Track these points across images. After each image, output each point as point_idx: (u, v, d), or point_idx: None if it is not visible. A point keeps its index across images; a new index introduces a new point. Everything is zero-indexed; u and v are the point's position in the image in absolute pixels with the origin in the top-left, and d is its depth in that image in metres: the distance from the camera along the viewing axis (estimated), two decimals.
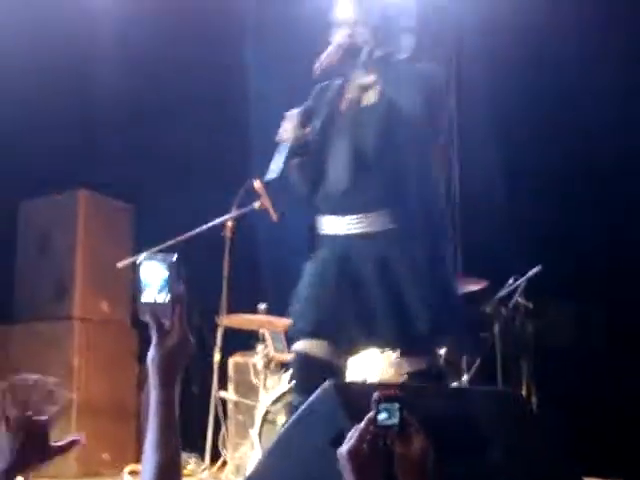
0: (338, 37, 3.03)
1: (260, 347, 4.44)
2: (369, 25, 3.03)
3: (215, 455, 4.45)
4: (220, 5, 5.78)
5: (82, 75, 5.67)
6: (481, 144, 5.64)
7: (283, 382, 4.12)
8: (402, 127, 2.90)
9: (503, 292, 4.68)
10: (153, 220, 5.70)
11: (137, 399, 5.61)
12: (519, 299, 4.65)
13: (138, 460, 5.16)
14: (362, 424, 1.48)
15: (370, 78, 3.05)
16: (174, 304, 1.50)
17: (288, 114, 3.03)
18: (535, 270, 4.58)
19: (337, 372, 3.04)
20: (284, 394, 3.95)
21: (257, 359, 4.43)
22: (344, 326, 2.96)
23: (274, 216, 4.22)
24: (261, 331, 4.54)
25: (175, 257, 1.50)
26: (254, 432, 4.13)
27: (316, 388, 2.68)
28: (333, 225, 3.01)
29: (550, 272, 4.65)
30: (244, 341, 4.77)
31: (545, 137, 5.46)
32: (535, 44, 5.35)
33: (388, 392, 1.48)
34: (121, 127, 5.89)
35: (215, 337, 4.40)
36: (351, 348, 3.08)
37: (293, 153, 2.98)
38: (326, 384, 2.26)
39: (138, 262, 1.50)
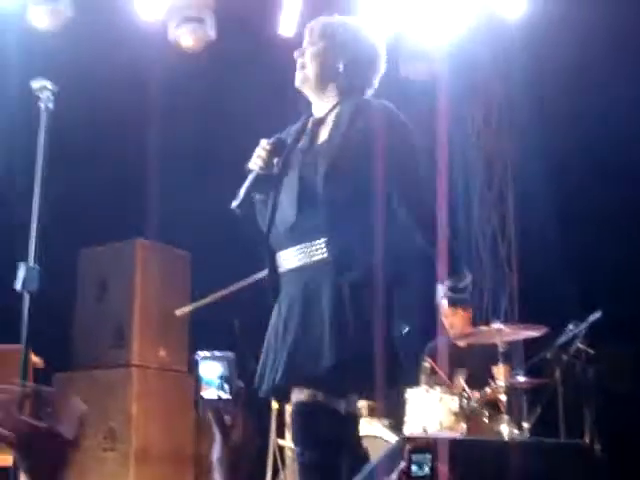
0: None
1: None
2: (340, 58, 2.98)
3: None
4: None
5: (140, 128, 5.78)
6: (536, 188, 5.62)
7: None
8: (351, 161, 2.82)
9: (563, 338, 4.62)
10: (210, 267, 5.77)
11: (194, 445, 5.62)
12: (580, 345, 4.59)
13: None
14: (394, 476, 1.47)
15: (326, 112, 3.00)
16: (235, 400, 1.53)
17: (261, 142, 3.00)
18: (596, 316, 4.52)
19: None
20: None
21: None
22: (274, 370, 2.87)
23: None
24: None
25: (233, 355, 1.55)
26: None
27: None
28: (280, 262, 2.94)
29: (609, 316, 4.59)
30: None
31: (601, 180, 5.43)
32: (586, 90, 5.35)
33: (420, 444, 1.47)
34: (177, 178, 5.99)
35: None
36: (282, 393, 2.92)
37: (258, 181, 2.94)
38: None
39: (196, 359, 1.55)
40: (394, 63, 6.27)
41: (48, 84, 2.93)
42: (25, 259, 2.79)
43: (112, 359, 5.45)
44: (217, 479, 1.50)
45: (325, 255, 2.78)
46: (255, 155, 2.97)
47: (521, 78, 5.88)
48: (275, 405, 4.37)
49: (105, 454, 5.18)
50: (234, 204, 2.92)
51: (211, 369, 1.53)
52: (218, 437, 1.52)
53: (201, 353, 1.55)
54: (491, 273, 6.63)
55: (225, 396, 1.52)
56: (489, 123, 6.93)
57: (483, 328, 4.64)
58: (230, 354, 1.55)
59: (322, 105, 3.02)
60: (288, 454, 4.71)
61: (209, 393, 1.52)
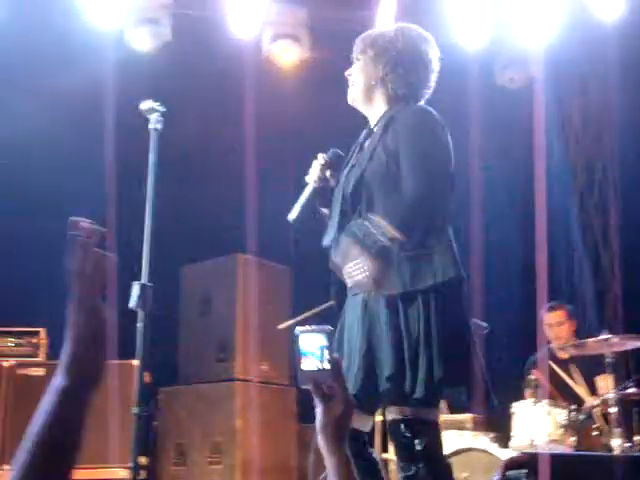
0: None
1: None
2: (380, 68, 2.98)
3: None
4: None
5: (241, 145, 5.86)
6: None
7: (446, 442, 4.05)
8: (375, 174, 2.82)
9: None
10: (310, 282, 5.80)
11: (298, 459, 5.65)
12: None
13: None
14: None
15: (375, 125, 2.99)
16: (334, 370, 1.57)
17: (318, 155, 3.03)
18: None
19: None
20: (447, 456, 3.88)
21: None
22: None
23: None
24: None
25: (330, 328, 1.59)
26: None
27: None
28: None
29: None
30: None
31: None
32: None
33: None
34: (278, 194, 6.03)
35: None
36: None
37: (315, 195, 2.97)
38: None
39: (296, 333, 1.59)
40: (490, 72, 6.21)
41: (156, 105, 3.00)
42: (136, 278, 2.85)
43: (216, 374, 5.53)
44: (324, 448, 1.56)
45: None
46: (311, 168, 3.02)
47: (619, 78, 5.74)
48: (378, 418, 4.34)
49: (211, 468, 5.25)
50: (290, 217, 2.97)
51: (310, 341, 1.58)
52: (319, 406, 1.57)
53: (299, 328, 1.59)
54: (593, 283, 6.47)
55: (324, 366, 1.56)
56: (588, 125, 6.78)
57: (590, 339, 4.53)
58: (328, 327, 1.59)
59: (373, 117, 3.03)
60: (392, 467, 4.68)
61: (308, 364, 1.57)
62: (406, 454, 2.71)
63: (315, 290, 5.52)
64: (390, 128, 2.87)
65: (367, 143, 2.99)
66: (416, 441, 2.68)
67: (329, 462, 1.56)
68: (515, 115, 5.96)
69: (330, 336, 1.59)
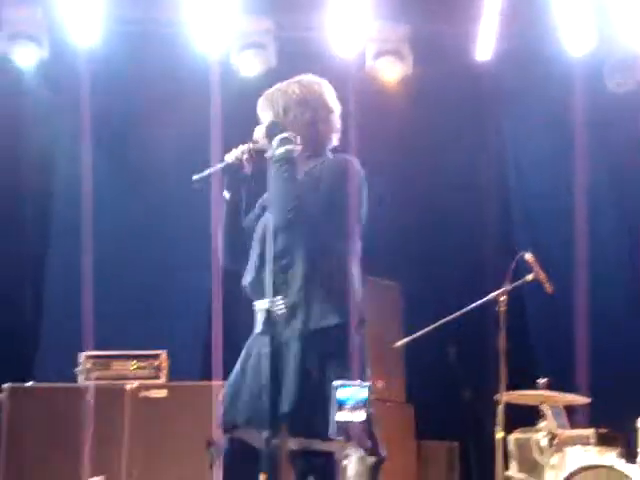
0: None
1: (542, 423, 4.32)
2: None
3: None
4: None
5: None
6: None
7: (569, 460, 3.98)
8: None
9: None
10: (421, 298, 5.80)
11: (418, 475, 5.63)
12: None
13: None
14: None
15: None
16: (368, 424, 1.70)
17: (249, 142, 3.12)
18: None
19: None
20: (574, 474, 3.81)
21: (540, 436, 4.30)
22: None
23: (548, 288, 4.21)
24: (541, 407, 4.42)
25: (370, 383, 1.73)
26: None
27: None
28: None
29: None
30: (523, 417, 4.66)
31: None
32: None
33: None
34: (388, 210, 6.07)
35: (495, 414, 4.33)
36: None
37: (226, 171, 3.11)
38: None
39: (334, 385, 1.70)
40: (600, 79, 6.07)
41: (287, 134, 3.03)
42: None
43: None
44: None
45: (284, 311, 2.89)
46: (235, 149, 3.11)
47: None
48: (499, 435, 4.29)
49: None
50: (195, 176, 3.08)
51: (350, 393, 1.69)
52: (354, 456, 1.75)
53: (337, 381, 1.72)
54: None
55: (358, 419, 1.65)
56: None
57: None
58: (367, 383, 1.71)
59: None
60: None
61: (343, 416, 1.69)
62: None
63: (424, 306, 5.54)
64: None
65: None
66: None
67: None
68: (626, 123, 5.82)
69: (371, 391, 1.67)
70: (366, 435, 1.62)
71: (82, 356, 5.28)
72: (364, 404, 1.61)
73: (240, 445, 2.95)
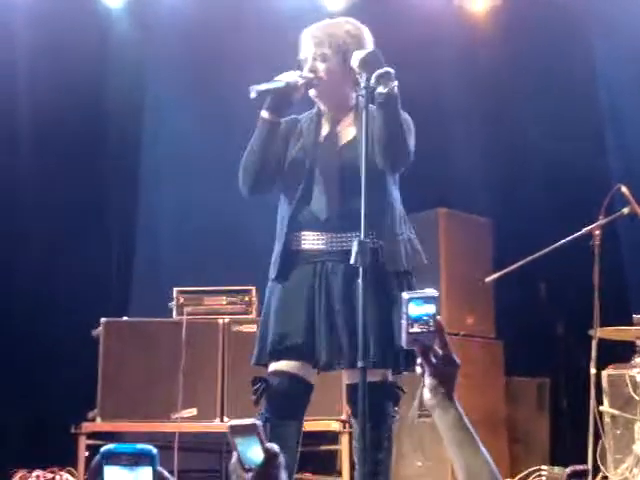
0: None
1: (637, 359, 4.25)
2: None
3: (593, 471, 4.30)
4: None
5: (432, 97, 5.82)
6: None
7: None
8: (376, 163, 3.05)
9: None
10: (512, 233, 5.72)
11: (506, 410, 5.62)
12: None
13: (513, 474, 5.16)
14: None
15: (349, 116, 3.19)
16: (439, 332, 1.67)
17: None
18: None
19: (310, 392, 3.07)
20: None
21: (635, 372, 4.24)
22: (324, 345, 2.99)
23: None
24: (637, 342, 4.34)
25: (437, 293, 1.70)
26: (639, 448, 4.00)
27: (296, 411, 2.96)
28: (317, 242, 3.08)
29: None
30: (617, 353, 4.60)
31: None
32: None
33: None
34: (474, 144, 5.98)
35: (589, 350, 4.28)
36: (327, 368, 3.09)
37: (282, 90, 3.03)
38: None
39: (405, 297, 1.68)
40: None
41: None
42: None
43: None
44: (431, 406, 1.67)
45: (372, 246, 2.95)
46: (295, 72, 3.09)
47: None
48: (593, 371, 4.24)
49: (420, 421, 5.31)
50: (256, 88, 3.02)
51: (418, 305, 1.67)
52: (427, 369, 1.67)
53: (407, 293, 1.70)
54: None
55: (429, 329, 1.66)
56: None
57: None
58: (434, 292, 1.70)
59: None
60: (607, 420, 4.57)
61: (415, 327, 1.66)
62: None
63: (515, 242, 5.46)
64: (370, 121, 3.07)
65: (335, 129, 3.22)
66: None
67: (444, 420, 1.66)
68: None
69: (437, 302, 1.68)
70: (439, 344, 1.66)
71: (175, 291, 5.39)
72: (432, 317, 1.66)
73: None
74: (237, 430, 1.46)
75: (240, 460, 1.47)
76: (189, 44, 5.93)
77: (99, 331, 5.33)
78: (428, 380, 1.67)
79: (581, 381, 4.45)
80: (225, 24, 5.77)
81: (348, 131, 3.21)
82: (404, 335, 1.67)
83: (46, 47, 5.76)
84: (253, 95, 3.05)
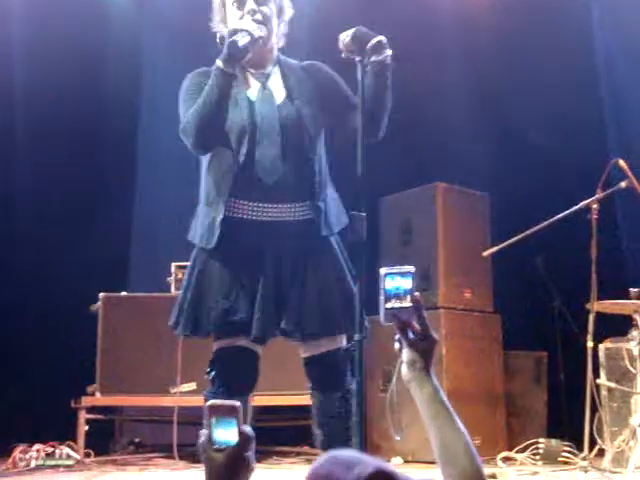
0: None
1: (634, 333, 4.26)
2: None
3: (590, 443, 4.33)
4: None
5: (430, 71, 5.81)
6: None
7: None
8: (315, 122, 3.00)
9: None
10: (509, 207, 5.73)
11: (504, 385, 5.64)
12: None
13: (510, 447, 5.20)
14: None
15: (275, 69, 3.10)
16: (416, 307, 1.69)
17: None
18: None
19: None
20: None
21: (633, 345, 4.25)
22: (266, 318, 2.91)
23: None
24: (634, 316, 4.36)
25: (413, 268, 1.71)
26: (635, 421, 4.02)
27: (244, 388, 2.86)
28: (258, 212, 2.96)
29: None
30: (614, 326, 4.61)
31: None
32: None
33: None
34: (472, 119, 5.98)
35: (586, 323, 4.29)
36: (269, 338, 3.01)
37: (250, 44, 2.90)
38: None
39: (381, 273, 1.70)
40: None
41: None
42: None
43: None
44: (408, 380, 1.70)
45: (310, 216, 2.96)
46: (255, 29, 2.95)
47: None
48: (590, 344, 4.26)
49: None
50: (240, 38, 2.88)
51: (395, 280, 1.69)
52: (404, 344, 1.70)
53: (384, 268, 1.70)
54: None
55: (406, 304, 1.68)
56: None
57: None
58: (411, 268, 1.70)
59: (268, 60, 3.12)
60: (604, 393, 4.59)
61: (391, 303, 1.68)
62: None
63: (512, 216, 5.47)
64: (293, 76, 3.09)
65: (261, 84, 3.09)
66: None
67: (422, 394, 1.68)
68: None
69: (414, 276, 1.69)
70: (416, 319, 1.67)
71: (173, 266, 5.40)
72: (410, 292, 1.66)
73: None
74: (216, 410, 1.46)
75: (211, 440, 1.46)
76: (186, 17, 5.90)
77: (98, 306, 5.35)
78: (406, 355, 1.69)
79: (578, 354, 4.46)
80: None
81: (279, 88, 3.08)
82: (381, 310, 1.68)
83: (41, 25, 5.75)
84: (242, 44, 2.88)
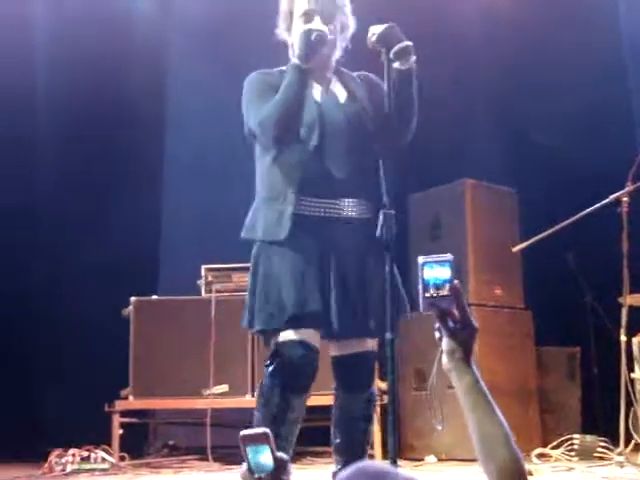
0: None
1: None
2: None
3: (626, 438, 4.29)
4: None
5: (458, 73, 5.79)
6: None
7: None
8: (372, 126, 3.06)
9: None
10: (538, 203, 5.70)
11: (537, 380, 5.61)
12: None
13: (545, 443, 5.16)
14: None
15: (333, 77, 3.16)
16: (456, 295, 1.65)
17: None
18: None
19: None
20: None
21: None
22: (334, 314, 2.89)
23: None
24: None
25: (452, 256, 1.69)
26: None
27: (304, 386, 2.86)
28: (325, 208, 2.99)
29: None
30: None
31: None
32: None
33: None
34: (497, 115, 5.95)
35: (619, 317, 4.26)
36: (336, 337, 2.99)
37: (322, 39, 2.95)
38: None
39: (420, 262, 1.68)
40: None
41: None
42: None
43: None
44: (448, 370, 1.67)
45: (369, 215, 2.99)
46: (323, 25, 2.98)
47: None
48: (623, 338, 4.22)
49: (450, 392, 5.32)
50: (316, 30, 2.93)
51: (433, 269, 1.67)
52: (444, 333, 1.67)
53: (422, 257, 1.68)
54: None
55: (446, 293, 1.65)
56: None
57: None
58: (449, 256, 1.69)
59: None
60: (638, 388, 4.55)
61: (430, 291, 1.67)
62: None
63: (540, 212, 5.44)
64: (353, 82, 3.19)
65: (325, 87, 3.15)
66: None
67: (461, 384, 1.64)
68: None
69: (452, 265, 1.67)
70: (456, 306, 1.66)
71: (203, 269, 5.42)
72: (449, 281, 1.65)
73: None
74: (248, 439, 1.50)
75: (250, 469, 1.50)
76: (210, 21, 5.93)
77: (129, 310, 5.38)
78: (446, 344, 1.67)
79: (612, 349, 4.43)
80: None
81: (341, 91, 3.16)
82: (421, 300, 1.67)
83: (64, 33, 5.80)
84: (317, 39, 2.93)
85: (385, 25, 2.95)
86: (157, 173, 6.33)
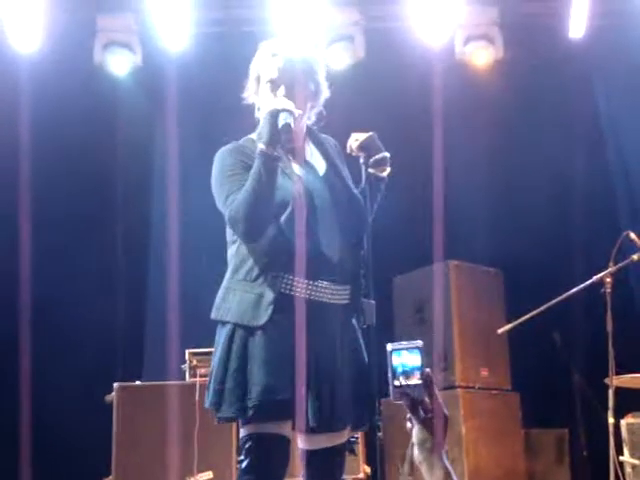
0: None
1: None
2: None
3: None
4: None
5: (430, 147, 5.86)
6: None
7: None
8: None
9: None
10: (522, 284, 5.71)
11: (526, 464, 5.54)
12: None
13: None
14: None
15: (309, 145, 3.06)
16: (427, 384, 1.63)
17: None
18: None
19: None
20: None
21: None
22: (306, 407, 2.73)
23: None
24: None
25: (421, 343, 1.67)
26: None
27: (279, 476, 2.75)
28: (312, 290, 2.82)
29: None
30: (635, 401, 4.54)
31: None
32: None
33: None
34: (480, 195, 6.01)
35: (606, 399, 4.23)
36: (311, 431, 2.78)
37: (288, 128, 2.81)
38: None
39: (388, 349, 1.66)
40: None
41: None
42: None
43: (437, 382, 5.50)
44: (419, 461, 1.62)
45: (349, 300, 2.90)
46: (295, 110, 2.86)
47: None
48: (611, 420, 4.19)
49: None
50: (287, 118, 2.80)
51: (403, 357, 1.65)
52: (415, 422, 1.63)
53: (391, 345, 1.66)
54: None
55: (416, 382, 1.63)
56: None
57: None
58: (419, 342, 1.67)
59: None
60: (628, 470, 4.50)
61: (400, 380, 1.63)
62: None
63: (526, 292, 5.45)
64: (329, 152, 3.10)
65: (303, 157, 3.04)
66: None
67: (433, 476, 1.60)
68: None
69: (422, 352, 1.65)
70: (427, 395, 1.62)
71: (187, 353, 5.37)
72: (419, 368, 1.62)
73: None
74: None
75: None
76: (194, 101, 5.99)
77: (112, 396, 5.30)
78: (416, 435, 1.63)
79: (600, 431, 4.39)
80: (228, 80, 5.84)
81: (319, 160, 3.05)
82: (391, 388, 1.63)
83: (53, 114, 5.85)
84: (284, 123, 2.80)
85: (367, 134, 3.00)
86: (143, 255, 6.32)
